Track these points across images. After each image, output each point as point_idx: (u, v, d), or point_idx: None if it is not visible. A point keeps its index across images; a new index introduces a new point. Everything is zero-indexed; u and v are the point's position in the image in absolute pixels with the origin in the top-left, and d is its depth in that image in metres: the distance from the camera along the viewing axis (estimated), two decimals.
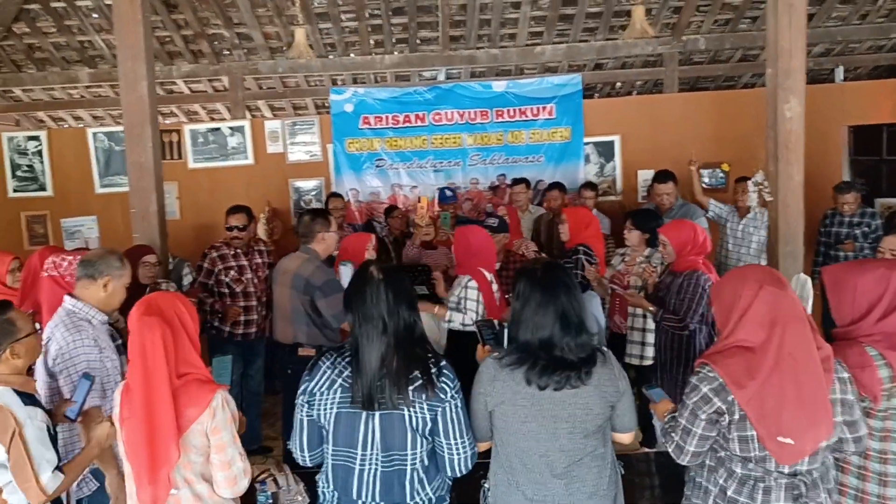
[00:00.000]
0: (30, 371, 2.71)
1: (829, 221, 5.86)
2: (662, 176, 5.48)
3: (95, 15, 7.04)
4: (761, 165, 4.79)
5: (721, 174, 6.72)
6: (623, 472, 2.43)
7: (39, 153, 7.20)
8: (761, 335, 2.11)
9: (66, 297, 2.95)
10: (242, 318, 4.86)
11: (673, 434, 2.26)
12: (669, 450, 2.27)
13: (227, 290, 4.85)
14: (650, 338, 4.39)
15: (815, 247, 5.95)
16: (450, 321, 3.99)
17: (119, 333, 3.16)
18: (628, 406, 2.30)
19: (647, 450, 4.53)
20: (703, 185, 6.31)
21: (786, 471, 2.12)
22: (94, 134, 7.19)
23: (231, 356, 2.75)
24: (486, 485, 2.44)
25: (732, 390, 2.10)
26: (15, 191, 7.24)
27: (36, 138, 7.24)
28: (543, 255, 5.24)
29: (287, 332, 4.00)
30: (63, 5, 6.89)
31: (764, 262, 5.16)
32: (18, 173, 7.22)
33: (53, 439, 2.46)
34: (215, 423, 2.20)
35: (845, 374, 2.19)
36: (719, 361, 2.16)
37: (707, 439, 2.18)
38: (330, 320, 3.83)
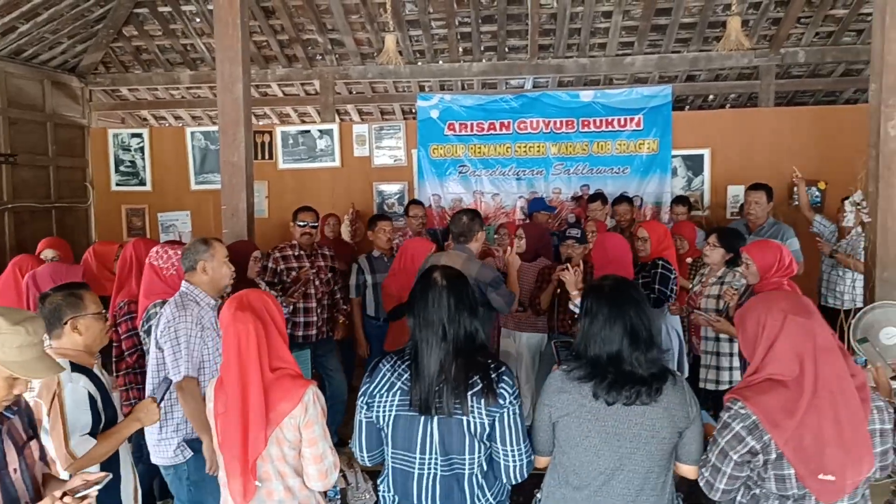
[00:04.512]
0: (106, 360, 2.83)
1: None
2: (756, 185, 5.37)
3: (198, 19, 7.38)
4: (861, 185, 4.57)
5: (817, 192, 6.47)
6: None
7: (141, 150, 7.59)
8: (794, 369, 2.02)
9: (183, 282, 3.18)
10: (301, 319, 4.81)
11: (703, 469, 2.17)
12: (701, 484, 2.18)
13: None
14: (725, 361, 4.25)
15: None
16: None
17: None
18: (696, 435, 2.21)
19: None
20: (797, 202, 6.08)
21: None
22: (192, 133, 7.52)
23: (308, 350, 2.82)
24: (538, 495, 2.41)
25: (769, 430, 2.00)
26: (117, 184, 7.67)
27: (139, 135, 7.65)
28: None
29: None
30: (169, 10, 7.25)
31: (860, 285, 4.96)
32: (121, 168, 7.64)
33: (96, 407, 2.52)
34: (308, 417, 2.25)
35: (881, 402, 2.09)
36: (752, 398, 2.06)
37: (737, 479, 2.10)
38: (504, 308, 3.95)
